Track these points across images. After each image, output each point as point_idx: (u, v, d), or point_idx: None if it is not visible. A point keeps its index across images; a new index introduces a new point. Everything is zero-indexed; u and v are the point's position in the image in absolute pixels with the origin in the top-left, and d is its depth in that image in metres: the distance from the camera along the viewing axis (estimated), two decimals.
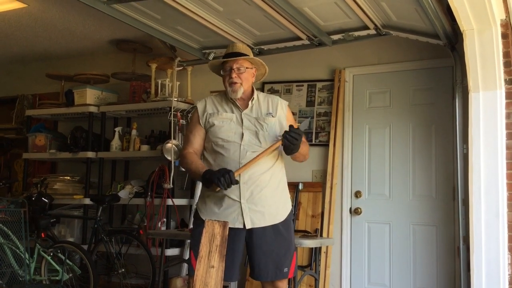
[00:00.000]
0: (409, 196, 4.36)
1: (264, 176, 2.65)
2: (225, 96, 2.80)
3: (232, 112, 2.75)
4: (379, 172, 4.48)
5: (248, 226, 2.62)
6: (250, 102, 2.77)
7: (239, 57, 2.74)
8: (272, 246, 2.66)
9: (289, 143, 2.53)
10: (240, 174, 2.56)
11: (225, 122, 2.71)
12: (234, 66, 2.72)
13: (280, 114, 2.79)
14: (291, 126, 2.58)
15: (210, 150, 2.74)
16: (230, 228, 2.42)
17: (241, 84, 2.72)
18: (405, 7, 3.50)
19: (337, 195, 4.55)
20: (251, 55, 2.81)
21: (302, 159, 2.81)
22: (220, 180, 2.43)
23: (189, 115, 4.25)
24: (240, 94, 2.73)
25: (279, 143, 2.58)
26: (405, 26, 3.89)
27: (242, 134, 2.68)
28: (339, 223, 4.53)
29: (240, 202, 2.62)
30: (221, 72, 2.80)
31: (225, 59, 2.76)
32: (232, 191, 2.60)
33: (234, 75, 2.71)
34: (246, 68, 2.76)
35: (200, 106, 2.81)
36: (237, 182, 2.48)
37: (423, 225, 4.28)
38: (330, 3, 3.55)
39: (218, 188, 2.49)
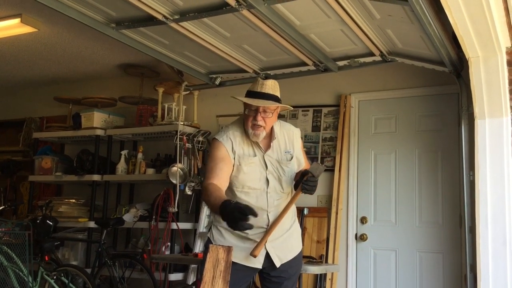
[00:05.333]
0: (415, 223, 4.32)
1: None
2: (245, 131, 2.61)
3: (255, 154, 2.60)
4: (385, 198, 4.46)
5: (277, 265, 2.59)
6: (271, 143, 2.62)
7: (269, 104, 2.52)
8: (284, 278, 2.66)
9: (308, 192, 2.48)
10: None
11: (251, 168, 2.57)
12: (261, 109, 2.52)
13: (296, 148, 2.71)
14: (308, 176, 2.47)
15: (235, 192, 2.60)
16: (246, 266, 2.51)
17: (264, 128, 2.54)
18: (410, 35, 3.52)
19: (343, 221, 4.52)
20: (278, 93, 2.60)
21: None
22: (234, 227, 2.19)
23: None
24: (261, 138, 2.57)
25: (299, 194, 2.51)
26: (410, 53, 3.91)
27: (267, 179, 2.60)
28: (344, 249, 4.49)
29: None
30: (245, 111, 2.59)
31: (253, 104, 2.52)
32: (256, 235, 2.53)
33: (259, 117, 2.52)
34: (273, 111, 2.56)
35: (226, 142, 2.57)
36: (251, 227, 2.20)
37: (430, 253, 4.23)
38: (336, 30, 3.59)
39: None
